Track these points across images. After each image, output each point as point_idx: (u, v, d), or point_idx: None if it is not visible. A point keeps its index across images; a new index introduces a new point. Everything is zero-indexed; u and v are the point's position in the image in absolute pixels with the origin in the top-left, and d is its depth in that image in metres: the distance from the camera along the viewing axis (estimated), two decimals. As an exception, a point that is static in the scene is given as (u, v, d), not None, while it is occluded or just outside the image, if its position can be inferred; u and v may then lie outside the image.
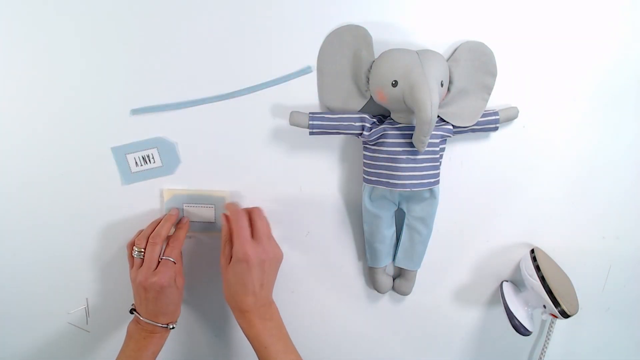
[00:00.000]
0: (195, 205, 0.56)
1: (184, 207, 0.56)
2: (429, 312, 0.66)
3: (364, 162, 0.53)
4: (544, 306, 0.56)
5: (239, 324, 0.52)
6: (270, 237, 0.53)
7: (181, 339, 0.65)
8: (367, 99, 0.51)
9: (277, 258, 0.53)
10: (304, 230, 0.60)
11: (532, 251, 0.59)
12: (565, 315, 0.54)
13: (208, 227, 0.57)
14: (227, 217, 0.53)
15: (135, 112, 0.52)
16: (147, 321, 0.52)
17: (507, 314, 0.58)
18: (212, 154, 0.55)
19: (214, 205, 0.56)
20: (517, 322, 0.58)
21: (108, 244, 0.58)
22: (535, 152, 0.57)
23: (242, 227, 0.50)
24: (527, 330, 0.58)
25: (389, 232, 0.56)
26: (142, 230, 0.54)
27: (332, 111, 0.51)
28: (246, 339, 0.51)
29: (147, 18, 0.49)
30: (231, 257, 0.50)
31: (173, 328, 0.54)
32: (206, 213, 0.57)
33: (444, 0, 0.50)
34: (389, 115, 0.51)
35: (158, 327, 0.52)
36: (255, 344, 0.51)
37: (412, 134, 0.47)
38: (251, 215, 0.52)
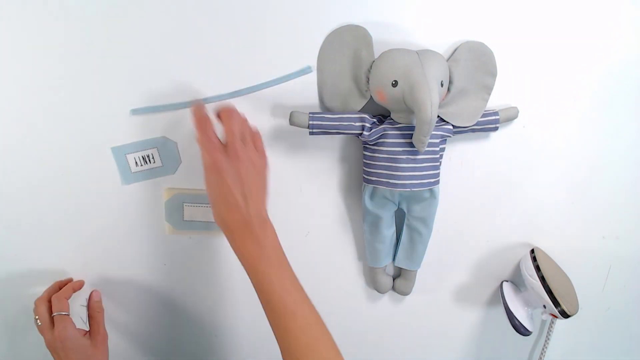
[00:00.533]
0: (196, 204, 0.56)
1: (184, 207, 0.56)
2: (429, 312, 0.66)
3: (364, 162, 0.53)
4: (544, 306, 0.56)
5: (232, 247, 0.45)
6: (246, 140, 0.46)
7: (180, 339, 0.65)
8: (367, 99, 0.51)
9: (257, 165, 0.46)
10: (304, 230, 0.60)
11: (532, 251, 0.59)
12: (565, 315, 0.54)
13: (208, 226, 0.57)
14: (196, 123, 0.45)
15: (135, 112, 0.52)
16: None
17: (507, 314, 0.58)
18: (212, 154, 0.55)
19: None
20: (517, 322, 0.58)
21: (108, 244, 0.58)
22: (535, 152, 0.57)
23: (207, 134, 0.44)
24: (527, 330, 0.58)
25: (389, 232, 0.56)
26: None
27: (332, 111, 0.51)
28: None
29: (147, 18, 0.49)
30: None
31: None
32: (206, 213, 0.56)
33: (444, 0, 0.50)
34: (389, 115, 0.51)
35: None
36: (247, 268, 0.45)
37: (412, 134, 0.47)
38: (220, 116, 0.46)
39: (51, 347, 0.50)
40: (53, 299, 0.53)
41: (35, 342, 0.63)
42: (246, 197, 0.43)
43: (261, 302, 0.45)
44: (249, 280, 0.45)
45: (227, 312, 0.64)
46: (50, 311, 0.52)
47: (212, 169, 0.43)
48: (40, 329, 0.52)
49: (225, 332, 0.66)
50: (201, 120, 0.44)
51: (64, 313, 0.51)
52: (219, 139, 0.44)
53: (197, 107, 0.46)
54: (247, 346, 0.67)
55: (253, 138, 0.47)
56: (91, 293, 0.55)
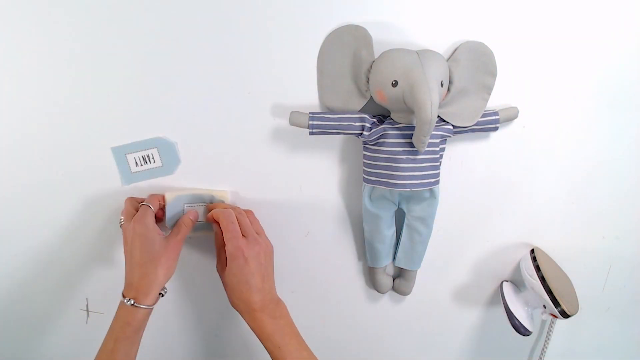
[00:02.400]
0: (197, 205, 0.56)
1: (185, 208, 0.56)
2: (429, 312, 0.66)
3: (364, 162, 0.53)
4: (544, 306, 0.56)
5: (251, 327, 0.50)
6: (259, 231, 0.53)
7: (181, 339, 0.65)
8: (367, 99, 0.51)
9: (269, 250, 0.52)
10: (304, 230, 0.60)
11: (532, 251, 0.59)
12: (565, 315, 0.54)
13: (208, 227, 0.57)
14: (217, 224, 0.52)
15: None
16: (127, 302, 0.47)
17: (507, 314, 0.58)
18: (212, 154, 0.55)
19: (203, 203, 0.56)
20: (517, 322, 0.58)
21: (108, 244, 0.58)
22: (535, 152, 0.57)
23: (231, 225, 0.50)
24: (527, 330, 0.58)
25: (389, 232, 0.56)
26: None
27: (332, 111, 0.51)
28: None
29: (148, 17, 0.49)
30: (226, 260, 0.50)
31: (162, 295, 0.51)
32: (206, 213, 0.56)
33: (444, 0, 0.50)
34: (389, 115, 0.51)
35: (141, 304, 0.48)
36: (268, 345, 0.50)
37: (412, 134, 0.47)
38: (237, 216, 0.52)
39: (125, 235, 0.49)
40: (149, 196, 0.54)
41: (35, 343, 0.63)
42: (264, 279, 0.50)
43: None
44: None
45: (227, 312, 0.64)
46: (136, 210, 0.51)
47: (238, 256, 0.49)
48: (123, 225, 0.51)
49: (225, 332, 0.66)
50: (224, 214, 0.51)
51: (149, 205, 0.51)
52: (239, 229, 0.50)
53: (218, 205, 0.54)
54: (247, 346, 0.67)
55: (254, 223, 0.54)
56: (190, 211, 0.54)
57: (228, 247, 0.49)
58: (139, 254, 0.48)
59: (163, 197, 0.54)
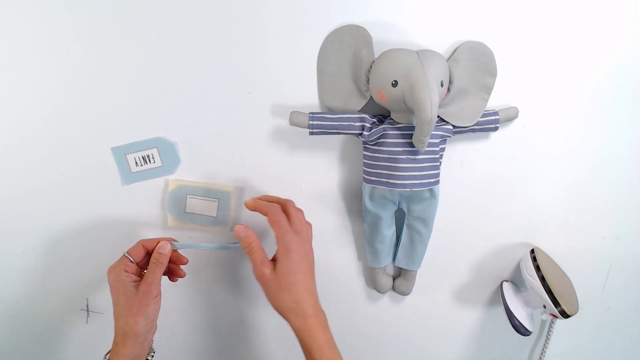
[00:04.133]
0: (199, 197, 0.56)
1: (187, 198, 0.56)
2: (429, 312, 0.66)
3: (364, 162, 0.53)
4: (544, 306, 0.56)
5: (299, 335, 0.46)
6: (309, 232, 0.50)
7: (181, 339, 0.65)
8: (367, 99, 0.51)
9: (312, 253, 0.49)
10: (304, 230, 0.60)
11: (532, 251, 0.59)
12: (565, 315, 0.54)
13: (209, 221, 0.57)
14: (245, 228, 0.48)
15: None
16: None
17: (507, 314, 0.58)
18: (212, 154, 0.55)
19: (217, 199, 0.56)
20: (517, 322, 0.58)
21: (108, 244, 0.58)
22: (535, 152, 0.57)
23: (283, 220, 0.46)
24: (527, 330, 0.58)
25: (389, 232, 0.56)
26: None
27: (332, 111, 0.51)
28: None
29: (148, 17, 0.49)
30: (273, 260, 0.46)
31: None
32: (209, 206, 0.56)
33: (444, 0, 0.50)
34: (389, 115, 0.51)
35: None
36: (317, 355, 0.45)
37: (412, 134, 0.47)
38: (285, 207, 0.49)
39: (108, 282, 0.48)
40: (137, 242, 0.50)
41: (35, 343, 0.63)
42: (314, 282, 0.48)
43: None
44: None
45: (228, 312, 0.64)
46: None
47: (293, 250, 0.45)
48: None
49: (225, 332, 0.66)
50: (269, 206, 0.48)
51: (129, 256, 0.49)
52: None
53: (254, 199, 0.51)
54: (247, 346, 0.67)
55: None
56: (159, 241, 0.50)
57: (283, 241, 0.45)
58: (115, 305, 0.48)
59: (152, 242, 0.50)
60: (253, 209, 0.50)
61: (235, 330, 0.65)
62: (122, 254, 0.49)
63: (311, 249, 0.48)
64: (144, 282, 0.48)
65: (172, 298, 0.62)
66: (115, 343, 0.47)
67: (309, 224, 0.52)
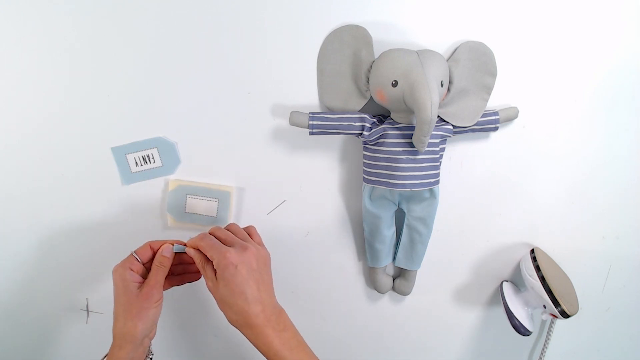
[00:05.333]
0: (199, 197, 0.56)
1: (187, 198, 0.56)
2: (429, 312, 0.66)
3: (364, 162, 0.53)
4: (544, 306, 0.56)
5: (254, 344, 0.46)
6: (247, 239, 0.49)
7: (181, 339, 0.65)
8: (367, 99, 0.51)
9: (262, 255, 0.48)
10: (304, 230, 0.60)
11: (532, 251, 0.59)
12: (565, 315, 0.54)
13: (209, 221, 0.57)
14: (193, 247, 0.48)
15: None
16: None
17: (507, 314, 0.58)
18: (212, 154, 0.55)
19: (217, 199, 0.56)
20: (517, 322, 0.58)
21: (108, 244, 0.58)
22: (535, 152, 0.57)
23: (211, 241, 0.46)
24: (527, 330, 0.58)
25: (389, 232, 0.56)
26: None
27: (332, 111, 0.51)
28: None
29: (148, 17, 0.49)
30: (215, 273, 0.46)
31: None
32: (209, 207, 0.56)
33: (444, 0, 0.50)
34: (389, 115, 0.51)
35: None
36: (273, 358, 0.45)
37: (412, 134, 0.47)
38: (216, 233, 0.49)
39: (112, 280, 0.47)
40: (144, 245, 0.49)
41: (35, 343, 0.63)
42: (260, 287, 0.45)
43: None
44: None
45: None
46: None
47: (227, 266, 0.44)
48: None
49: (224, 333, 0.66)
50: (199, 237, 0.47)
51: (136, 255, 0.48)
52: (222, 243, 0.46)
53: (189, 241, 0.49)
54: (247, 346, 0.67)
55: (252, 234, 0.50)
56: (162, 245, 0.49)
57: (214, 260, 0.45)
58: (116, 305, 0.46)
59: (161, 244, 0.49)
60: (194, 247, 0.48)
61: (235, 330, 0.65)
62: (128, 254, 0.49)
63: (253, 252, 0.46)
64: (147, 284, 0.47)
65: (172, 298, 0.62)
66: (112, 346, 0.46)
67: (251, 229, 0.51)
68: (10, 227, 0.56)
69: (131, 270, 0.47)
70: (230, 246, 0.46)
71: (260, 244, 0.50)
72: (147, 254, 0.49)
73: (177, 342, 0.65)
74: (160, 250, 0.48)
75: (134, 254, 0.48)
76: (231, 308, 0.45)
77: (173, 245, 0.49)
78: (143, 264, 0.48)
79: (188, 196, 0.56)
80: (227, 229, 0.50)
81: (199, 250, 0.47)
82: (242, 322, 0.45)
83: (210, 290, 0.47)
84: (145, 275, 0.48)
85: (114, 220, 0.56)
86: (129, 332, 0.45)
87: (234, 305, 0.45)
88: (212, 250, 0.45)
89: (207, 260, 0.46)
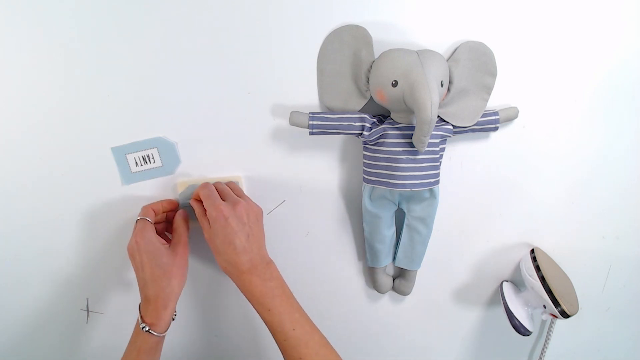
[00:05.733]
0: None
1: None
2: (429, 312, 0.66)
3: (364, 162, 0.53)
4: (544, 306, 0.56)
5: (241, 290, 0.50)
6: (241, 194, 0.53)
7: (181, 339, 0.65)
8: (367, 99, 0.51)
9: (254, 210, 0.51)
10: (304, 230, 0.60)
11: (532, 251, 0.59)
12: (565, 315, 0.54)
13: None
14: (196, 200, 0.52)
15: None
16: (142, 325, 0.48)
17: (507, 314, 0.58)
18: (212, 154, 0.55)
19: None
20: (517, 322, 0.58)
21: (108, 243, 0.58)
22: (535, 152, 0.57)
23: (209, 192, 0.50)
24: (527, 330, 0.58)
25: (389, 232, 0.56)
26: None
27: (332, 111, 0.51)
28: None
29: (148, 17, 0.49)
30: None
31: (173, 319, 0.51)
32: None
33: (444, 0, 0.50)
34: (389, 115, 0.51)
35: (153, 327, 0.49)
36: (258, 308, 0.49)
37: (412, 134, 0.47)
38: (216, 186, 0.52)
39: (129, 251, 0.49)
40: (142, 209, 0.53)
41: (35, 343, 0.63)
42: (249, 239, 0.49)
43: (274, 336, 0.49)
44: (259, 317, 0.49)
45: (227, 312, 0.64)
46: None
47: (218, 217, 0.48)
48: (128, 244, 0.51)
49: (225, 332, 0.66)
50: (202, 186, 0.52)
51: (147, 218, 0.50)
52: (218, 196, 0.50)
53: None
54: (247, 346, 0.67)
55: (236, 190, 0.53)
56: (179, 210, 0.54)
57: (208, 212, 0.48)
58: (149, 269, 0.48)
59: (157, 205, 0.53)
60: (195, 197, 0.53)
61: (235, 330, 0.65)
62: (134, 223, 0.51)
63: (244, 206, 0.49)
64: (180, 243, 0.51)
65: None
66: (154, 308, 0.48)
67: (236, 187, 0.55)
68: (10, 227, 0.56)
69: (154, 233, 0.50)
70: (224, 200, 0.49)
71: (247, 199, 0.53)
72: (152, 215, 0.52)
73: (177, 342, 0.65)
74: (180, 213, 0.53)
75: (145, 218, 0.51)
76: (221, 256, 0.49)
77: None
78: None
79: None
80: (226, 185, 0.54)
81: (199, 202, 0.51)
82: (230, 270, 0.49)
83: (206, 240, 0.50)
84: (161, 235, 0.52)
85: (114, 220, 0.56)
86: (173, 292, 0.49)
87: (224, 254, 0.48)
88: (207, 201, 0.49)
89: (204, 212, 0.50)
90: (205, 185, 0.52)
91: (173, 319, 0.52)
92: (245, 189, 0.57)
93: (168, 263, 0.49)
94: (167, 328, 0.50)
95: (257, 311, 0.49)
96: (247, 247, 0.48)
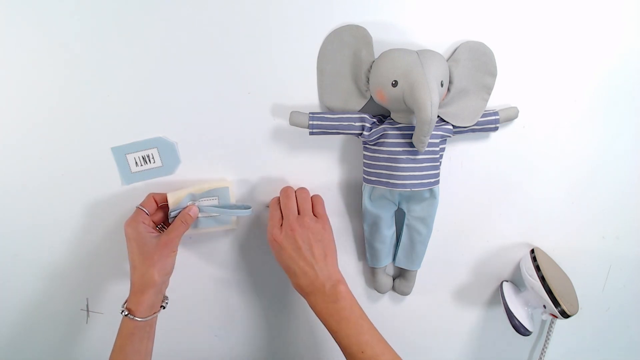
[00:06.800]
0: (202, 200, 0.55)
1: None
2: (429, 312, 0.66)
3: (364, 162, 0.53)
4: (544, 306, 0.56)
5: (312, 309, 0.51)
6: (304, 212, 0.52)
7: (181, 339, 0.65)
8: (367, 99, 0.51)
9: (314, 230, 0.50)
10: (304, 230, 0.60)
11: (532, 251, 0.59)
12: (565, 315, 0.54)
13: (214, 221, 0.56)
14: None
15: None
16: (124, 313, 0.49)
17: (507, 314, 0.58)
18: (212, 154, 0.55)
19: (217, 197, 0.55)
20: (517, 322, 0.58)
21: (108, 243, 0.58)
22: (535, 152, 0.57)
23: (271, 214, 0.52)
24: (527, 330, 0.58)
25: (389, 232, 0.56)
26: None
27: (332, 111, 0.51)
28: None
29: (148, 17, 0.49)
30: None
31: (163, 307, 0.53)
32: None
33: (444, 0, 0.50)
34: (389, 115, 0.51)
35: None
36: (327, 327, 0.50)
37: (412, 134, 0.47)
38: (283, 199, 0.53)
39: (125, 236, 0.51)
40: (146, 197, 0.53)
41: (36, 343, 0.63)
42: (310, 262, 0.50)
43: (345, 358, 0.49)
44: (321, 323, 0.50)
45: (227, 311, 0.64)
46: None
47: (272, 243, 0.51)
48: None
49: (225, 332, 0.66)
50: (272, 203, 0.54)
51: (143, 209, 0.52)
52: (281, 217, 0.52)
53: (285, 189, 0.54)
54: (247, 346, 0.67)
55: (315, 204, 0.54)
56: (191, 206, 0.53)
57: (267, 233, 0.51)
58: (134, 256, 0.50)
59: (162, 196, 0.53)
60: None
61: (235, 330, 0.65)
62: (135, 208, 0.52)
63: (300, 230, 0.50)
64: (167, 235, 0.50)
65: (172, 298, 0.62)
66: (133, 292, 0.50)
67: (316, 199, 0.55)
68: (10, 227, 0.56)
69: (144, 223, 0.50)
70: (285, 218, 0.51)
71: (320, 214, 0.53)
72: (153, 206, 0.53)
73: (177, 342, 0.65)
74: (187, 209, 0.52)
75: (142, 208, 0.52)
76: (289, 278, 0.52)
77: (197, 206, 0.53)
78: (149, 215, 0.52)
79: (189, 204, 0.54)
80: (296, 194, 0.54)
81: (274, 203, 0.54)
82: (299, 291, 0.51)
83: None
84: (153, 226, 0.53)
85: (114, 220, 0.56)
86: (151, 279, 0.49)
87: (289, 276, 0.51)
88: (269, 221, 0.52)
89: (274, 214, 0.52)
90: (273, 202, 0.54)
91: (163, 307, 0.53)
92: (244, 189, 0.57)
93: (150, 251, 0.49)
94: (149, 315, 0.50)
95: (327, 329, 0.50)
96: (306, 271, 0.49)
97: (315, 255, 0.50)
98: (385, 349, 0.49)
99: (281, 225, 0.51)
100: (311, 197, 0.54)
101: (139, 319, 0.49)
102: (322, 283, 0.49)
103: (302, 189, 0.54)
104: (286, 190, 0.54)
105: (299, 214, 0.52)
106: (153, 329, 0.52)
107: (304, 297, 0.51)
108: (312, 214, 0.53)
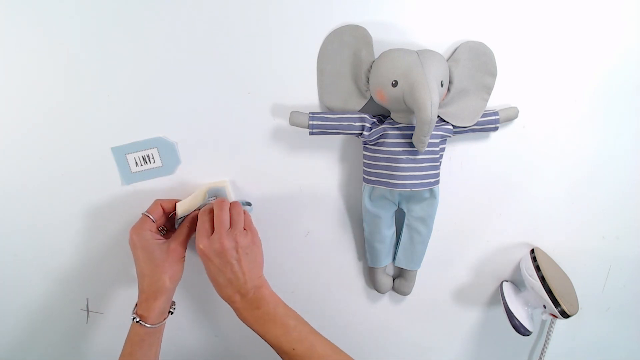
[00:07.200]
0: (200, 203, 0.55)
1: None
2: (429, 312, 0.66)
3: (364, 162, 0.53)
4: (544, 306, 0.56)
5: (238, 317, 0.52)
6: (235, 226, 0.50)
7: (181, 339, 0.65)
8: (367, 99, 0.51)
9: (242, 244, 0.49)
10: (304, 230, 0.60)
11: (532, 251, 0.59)
12: (565, 315, 0.54)
13: None
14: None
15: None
16: (134, 318, 0.49)
17: (507, 314, 0.58)
18: (212, 154, 0.55)
19: (215, 196, 0.55)
20: (517, 322, 0.58)
21: (108, 243, 0.58)
22: (535, 152, 0.57)
23: (199, 225, 0.50)
24: (527, 330, 0.58)
25: (389, 232, 0.56)
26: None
27: (332, 111, 0.51)
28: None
29: (148, 17, 0.49)
30: None
31: (171, 313, 0.53)
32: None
33: (444, 0, 0.50)
34: (389, 115, 0.51)
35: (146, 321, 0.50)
36: (256, 333, 0.51)
37: (412, 134, 0.47)
38: (214, 211, 0.51)
39: (129, 245, 0.51)
40: (153, 203, 0.53)
41: (35, 343, 0.63)
42: (237, 274, 0.49)
43: (280, 355, 0.51)
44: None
45: (226, 311, 0.64)
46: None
47: (201, 256, 0.50)
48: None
49: (225, 333, 0.66)
50: (202, 211, 0.52)
51: (150, 216, 0.51)
52: (210, 227, 0.50)
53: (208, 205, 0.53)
54: (247, 346, 0.67)
55: (245, 219, 0.52)
56: (194, 212, 0.54)
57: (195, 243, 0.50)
58: (143, 264, 0.50)
59: (170, 204, 0.53)
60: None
61: (235, 330, 0.65)
62: (141, 215, 0.52)
63: (227, 243, 0.48)
64: (175, 240, 0.51)
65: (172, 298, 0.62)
66: (145, 299, 0.50)
67: (246, 216, 0.53)
68: (10, 227, 0.56)
69: (150, 230, 0.51)
70: (216, 230, 0.49)
71: (248, 227, 0.52)
72: (159, 212, 0.53)
73: (177, 342, 0.65)
74: (193, 214, 0.53)
75: (148, 215, 0.51)
76: (214, 287, 0.51)
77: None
78: (155, 222, 0.52)
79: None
80: (223, 211, 0.51)
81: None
82: (225, 300, 0.51)
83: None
84: (157, 232, 0.52)
85: (114, 220, 0.56)
86: (163, 285, 0.50)
87: (214, 285, 0.51)
88: (197, 231, 0.50)
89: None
90: (202, 213, 0.51)
91: (172, 313, 0.53)
92: (242, 189, 0.57)
93: (160, 258, 0.50)
94: (159, 322, 0.51)
95: (255, 332, 0.51)
96: (231, 283, 0.50)
97: (242, 267, 0.50)
98: (316, 340, 0.51)
99: (210, 235, 0.49)
100: (235, 210, 0.53)
101: (149, 326, 0.49)
102: (247, 290, 0.50)
103: (236, 202, 0.53)
104: (221, 202, 0.52)
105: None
106: (161, 335, 0.53)
107: (230, 306, 0.51)
108: (242, 227, 0.51)
